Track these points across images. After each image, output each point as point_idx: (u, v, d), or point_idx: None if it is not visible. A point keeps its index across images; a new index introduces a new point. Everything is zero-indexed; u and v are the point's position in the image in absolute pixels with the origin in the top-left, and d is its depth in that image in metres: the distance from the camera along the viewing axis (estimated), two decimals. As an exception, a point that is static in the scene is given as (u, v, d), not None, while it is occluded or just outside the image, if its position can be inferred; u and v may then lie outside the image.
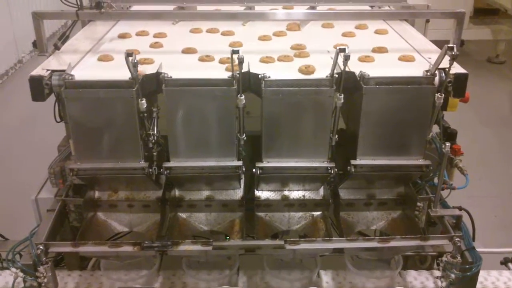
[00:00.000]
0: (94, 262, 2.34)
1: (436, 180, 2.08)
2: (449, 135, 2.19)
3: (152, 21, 2.57)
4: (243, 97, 1.82)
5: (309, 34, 2.37)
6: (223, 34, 2.36)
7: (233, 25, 2.47)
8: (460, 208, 2.08)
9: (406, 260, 2.23)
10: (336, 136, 1.95)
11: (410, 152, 1.95)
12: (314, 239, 1.95)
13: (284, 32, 2.37)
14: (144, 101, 1.79)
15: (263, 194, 2.14)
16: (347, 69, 1.85)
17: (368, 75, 1.85)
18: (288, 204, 2.14)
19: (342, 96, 1.84)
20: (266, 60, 2.00)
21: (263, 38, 2.27)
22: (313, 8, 2.47)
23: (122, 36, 2.38)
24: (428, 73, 1.88)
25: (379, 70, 1.90)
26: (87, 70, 1.98)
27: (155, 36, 2.34)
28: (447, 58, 2.10)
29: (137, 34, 2.36)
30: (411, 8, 2.60)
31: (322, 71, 1.88)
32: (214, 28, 2.41)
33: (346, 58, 1.76)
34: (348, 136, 2.07)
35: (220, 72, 1.93)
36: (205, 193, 2.14)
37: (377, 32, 2.41)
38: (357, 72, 1.89)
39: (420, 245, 1.95)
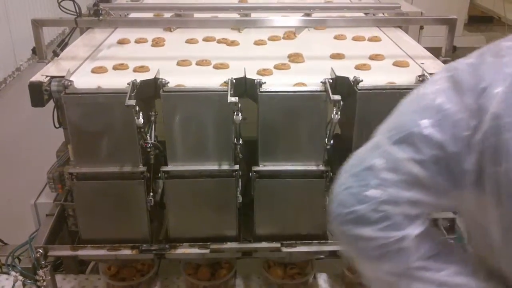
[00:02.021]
0: (93, 266, 2.37)
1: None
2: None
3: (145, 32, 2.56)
4: (237, 99, 1.84)
5: (315, 65, 2.13)
6: (216, 67, 2.08)
7: (228, 52, 2.28)
8: (454, 212, 2.10)
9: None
10: (331, 141, 1.98)
11: (404, 155, 1.98)
12: (310, 241, 1.97)
13: (288, 65, 2.10)
14: (141, 118, 1.79)
15: (259, 198, 2.17)
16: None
17: (362, 80, 1.88)
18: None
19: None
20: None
21: (263, 73, 1.99)
22: (308, 15, 2.51)
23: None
24: (420, 78, 1.92)
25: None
26: (86, 77, 2.01)
27: (135, 70, 2.04)
28: (440, 64, 2.16)
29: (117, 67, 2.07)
30: (404, 15, 2.65)
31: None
32: (206, 60, 2.12)
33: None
34: (343, 140, 2.10)
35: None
36: (202, 197, 2.17)
37: (396, 64, 2.13)
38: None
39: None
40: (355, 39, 2.48)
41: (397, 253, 0.98)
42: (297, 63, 2.14)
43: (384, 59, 2.17)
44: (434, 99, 0.97)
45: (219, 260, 2.12)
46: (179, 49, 2.32)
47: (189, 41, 2.42)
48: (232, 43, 2.39)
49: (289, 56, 2.19)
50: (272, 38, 2.46)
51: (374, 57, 2.18)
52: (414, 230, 0.97)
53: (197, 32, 2.50)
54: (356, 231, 0.98)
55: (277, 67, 2.06)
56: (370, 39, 2.47)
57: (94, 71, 2.02)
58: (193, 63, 2.11)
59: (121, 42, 2.41)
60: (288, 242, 1.96)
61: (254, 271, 2.20)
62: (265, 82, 1.89)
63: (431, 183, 0.96)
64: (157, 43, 2.38)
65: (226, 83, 1.89)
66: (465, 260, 1.06)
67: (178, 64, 2.11)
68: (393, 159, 0.97)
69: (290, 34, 2.50)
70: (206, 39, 2.45)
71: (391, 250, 0.97)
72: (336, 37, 2.51)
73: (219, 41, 2.43)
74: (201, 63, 2.11)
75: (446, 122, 0.94)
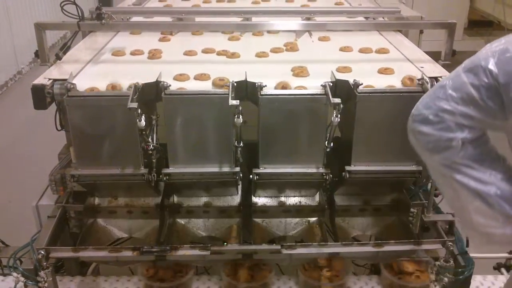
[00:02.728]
0: (94, 268, 2.38)
1: (429, 186, 2.12)
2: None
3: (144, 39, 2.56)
4: (238, 102, 1.84)
5: (321, 80, 1.98)
6: (215, 83, 1.97)
7: (228, 66, 2.18)
8: (453, 214, 2.11)
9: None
10: (331, 143, 1.99)
11: (403, 158, 2.00)
12: (310, 243, 1.99)
13: (288, 84, 1.98)
14: (143, 121, 1.79)
15: (260, 200, 2.19)
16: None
17: (362, 83, 1.90)
18: (285, 210, 2.19)
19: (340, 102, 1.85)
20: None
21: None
22: (308, 19, 2.52)
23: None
24: (420, 82, 1.93)
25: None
26: (88, 80, 2.03)
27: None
28: (439, 67, 2.18)
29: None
30: (404, 20, 2.66)
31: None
32: (204, 75, 2.02)
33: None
34: (343, 142, 2.12)
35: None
36: (203, 200, 2.19)
37: (405, 83, 2.01)
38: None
39: (414, 249, 1.99)
40: (362, 51, 2.38)
41: (445, 149, 1.34)
42: (301, 77, 2.05)
43: (394, 73, 2.08)
44: (505, 45, 1.29)
45: (259, 261, 2.12)
46: (177, 62, 2.25)
47: (188, 53, 2.33)
48: (233, 56, 2.29)
49: (293, 70, 2.11)
50: (275, 50, 2.37)
51: (383, 71, 2.08)
52: (461, 135, 1.32)
53: (196, 44, 2.43)
54: (420, 128, 1.36)
55: (279, 86, 1.96)
56: (378, 51, 2.37)
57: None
58: (191, 77, 2.03)
59: (116, 54, 2.32)
60: (288, 244, 1.97)
61: (290, 273, 2.21)
62: (265, 85, 1.91)
63: (482, 104, 1.28)
64: (154, 55, 2.28)
65: (227, 86, 1.90)
66: (507, 170, 1.38)
67: (175, 78, 2.00)
68: (459, 81, 1.31)
69: (293, 45, 2.42)
70: (205, 51, 2.35)
71: (442, 146, 1.34)
72: (342, 49, 2.41)
73: (219, 53, 2.33)
74: (200, 77, 2.01)
75: (503, 61, 1.25)
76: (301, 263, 2.13)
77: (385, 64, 2.16)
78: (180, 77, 2.01)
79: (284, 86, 1.96)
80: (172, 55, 2.34)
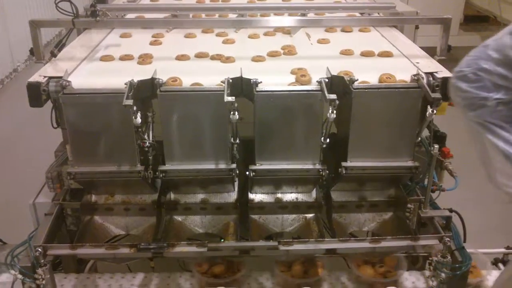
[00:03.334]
0: (91, 266, 2.38)
1: (426, 181, 2.13)
2: (439, 138, 2.24)
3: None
4: (234, 99, 1.83)
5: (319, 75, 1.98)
6: None
7: (222, 71, 2.05)
8: (450, 210, 2.12)
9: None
10: (327, 139, 1.99)
11: (399, 154, 2.00)
12: (307, 240, 1.99)
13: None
14: (139, 118, 1.77)
15: (256, 196, 2.19)
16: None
17: (357, 79, 1.90)
18: (282, 207, 2.19)
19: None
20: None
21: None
22: (304, 15, 2.52)
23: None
24: (415, 77, 1.94)
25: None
26: (83, 77, 2.02)
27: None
28: (435, 63, 2.18)
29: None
30: (399, 15, 2.66)
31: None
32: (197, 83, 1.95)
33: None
34: (339, 139, 2.12)
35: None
36: (200, 196, 2.19)
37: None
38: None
39: (411, 245, 1.99)
40: (363, 54, 2.30)
41: (480, 107, 1.39)
42: (304, 85, 1.95)
43: (396, 82, 1.99)
44: None
45: (312, 258, 2.13)
46: (169, 67, 2.13)
47: (180, 58, 2.25)
48: (227, 60, 2.21)
49: (293, 72, 2.03)
50: (272, 54, 2.29)
51: (385, 79, 1.98)
52: (496, 95, 1.36)
53: (188, 47, 2.35)
54: (459, 84, 1.41)
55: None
56: (381, 54, 2.30)
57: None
58: (183, 84, 1.95)
59: (105, 59, 2.23)
60: (285, 240, 1.97)
61: (341, 268, 2.23)
62: (261, 82, 1.91)
63: None
64: (144, 60, 2.18)
65: (222, 82, 1.90)
66: None
67: (167, 84, 1.94)
68: (501, 43, 1.35)
69: (292, 49, 2.33)
70: (198, 55, 2.27)
71: (477, 104, 1.39)
72: (342, 52, 2.33)
73: (212, 58, 2.24)
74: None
75: None
76: (353, 259, 2.15)
77: (385, 63, 2.17)
78: (173, 84, 1.94)
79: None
80: (163, 60, 2.23)
